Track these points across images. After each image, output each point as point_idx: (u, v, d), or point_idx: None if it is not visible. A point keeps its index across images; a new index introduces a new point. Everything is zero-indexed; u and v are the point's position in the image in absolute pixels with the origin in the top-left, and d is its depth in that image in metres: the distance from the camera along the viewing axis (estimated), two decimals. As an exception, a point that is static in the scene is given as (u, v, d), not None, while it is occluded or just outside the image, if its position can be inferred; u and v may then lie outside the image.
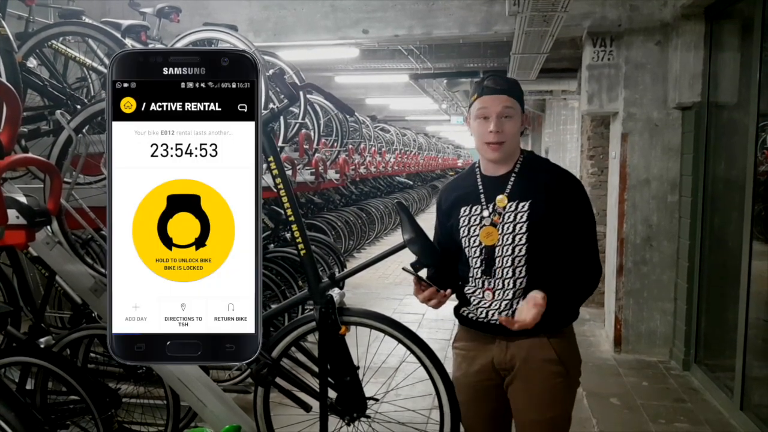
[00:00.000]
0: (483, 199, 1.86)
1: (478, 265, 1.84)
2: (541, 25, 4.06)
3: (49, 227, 2.42)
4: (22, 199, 1.78)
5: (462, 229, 1.88)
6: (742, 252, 3.38)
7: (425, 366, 2.32)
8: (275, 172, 2.39)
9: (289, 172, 4.56)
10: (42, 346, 2.63)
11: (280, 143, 4.52)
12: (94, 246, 3.31)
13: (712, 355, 4.10)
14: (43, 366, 2.45)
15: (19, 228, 1.75)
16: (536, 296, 1.71)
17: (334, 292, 2.37)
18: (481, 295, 1.86)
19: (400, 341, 2.34)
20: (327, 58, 6.95)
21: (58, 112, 2.44)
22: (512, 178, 1.84)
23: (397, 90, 11.46)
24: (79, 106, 2.83)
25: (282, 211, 2.59)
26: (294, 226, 2.40)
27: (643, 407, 3.67)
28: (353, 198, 10.00)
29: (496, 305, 1.84)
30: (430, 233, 2.05)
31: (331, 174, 6.46)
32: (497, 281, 1.83)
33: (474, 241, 1.85)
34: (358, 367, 2.40)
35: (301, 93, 4.52)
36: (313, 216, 7.70)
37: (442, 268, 1.97)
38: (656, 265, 4.54)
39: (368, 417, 2.43)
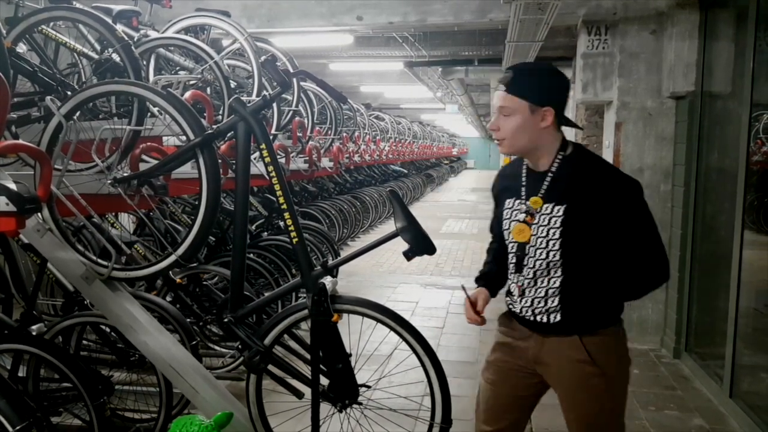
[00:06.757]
0: (523, 194, 1.82)
1: (513, 260, 1.84)
2: (536, 13, 4.05)
3: (39, 214, 2.40)
4: (12, 186, 1.76)
5: (504, 222, 1.87)
6: (734, 241, 3.40)
7: (417, 353, 2.32)
8: (267, 159, 2.37)
9: (282, 160, 4.54)
10: (34, 333, 2.63)
11: (273, 131, 4.50)
12: (85, 233, 3.29)
13: (703, 344, 4.13)
14: (35, 353, 2.44)
15: (9, 215, 1.74)
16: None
17: (327, 280, 2.37)
18: (513, 290, 1.88)
19: (392, 329, 2.35)
20: (321, 45, 6.91)
21: (49, 98, 2.42)
22: (548, 179, 1.77)
23: (391, 78, 11.42)
24: (69, 93, 2.80)
25: (275, 199, 2.58)
26: (286, 214, 2.39)
27: (633, 394, 3.70)
28: (347, 186, 9.97)
29: (525, 302, 1.83)
30: (424, 221, 2.05)
31: (325, 162, 6.42)
32: (526, 280, 1.82)
33: (510, 236, 1.84)
34: (351, 355, 2.40)
35: (294, 80, 4.49)
36: (307, 204, 7.69)
37: (500, 252, 1.97)
38: (648, 254, 4.54)
39: (360, 404, 2.44)
